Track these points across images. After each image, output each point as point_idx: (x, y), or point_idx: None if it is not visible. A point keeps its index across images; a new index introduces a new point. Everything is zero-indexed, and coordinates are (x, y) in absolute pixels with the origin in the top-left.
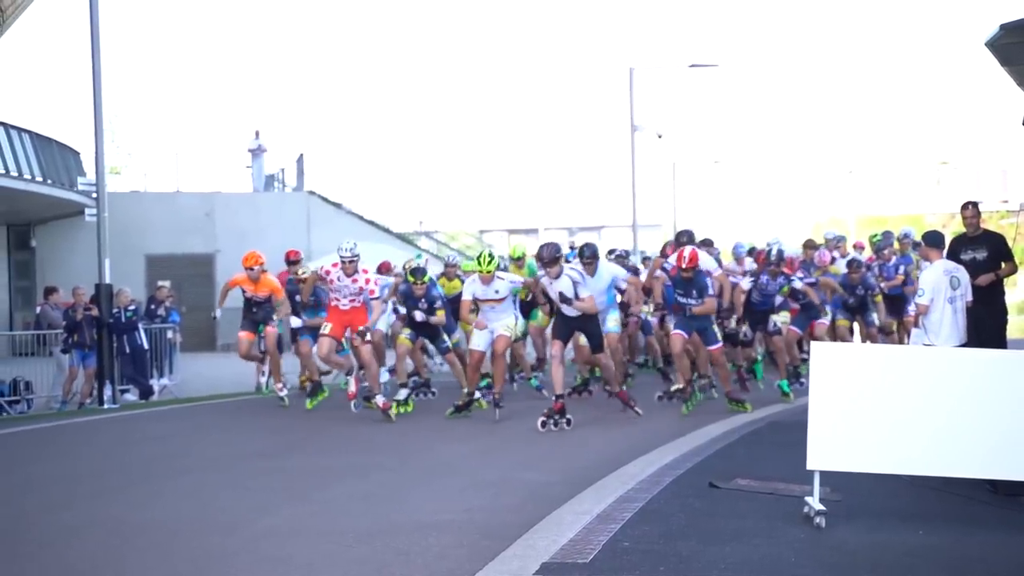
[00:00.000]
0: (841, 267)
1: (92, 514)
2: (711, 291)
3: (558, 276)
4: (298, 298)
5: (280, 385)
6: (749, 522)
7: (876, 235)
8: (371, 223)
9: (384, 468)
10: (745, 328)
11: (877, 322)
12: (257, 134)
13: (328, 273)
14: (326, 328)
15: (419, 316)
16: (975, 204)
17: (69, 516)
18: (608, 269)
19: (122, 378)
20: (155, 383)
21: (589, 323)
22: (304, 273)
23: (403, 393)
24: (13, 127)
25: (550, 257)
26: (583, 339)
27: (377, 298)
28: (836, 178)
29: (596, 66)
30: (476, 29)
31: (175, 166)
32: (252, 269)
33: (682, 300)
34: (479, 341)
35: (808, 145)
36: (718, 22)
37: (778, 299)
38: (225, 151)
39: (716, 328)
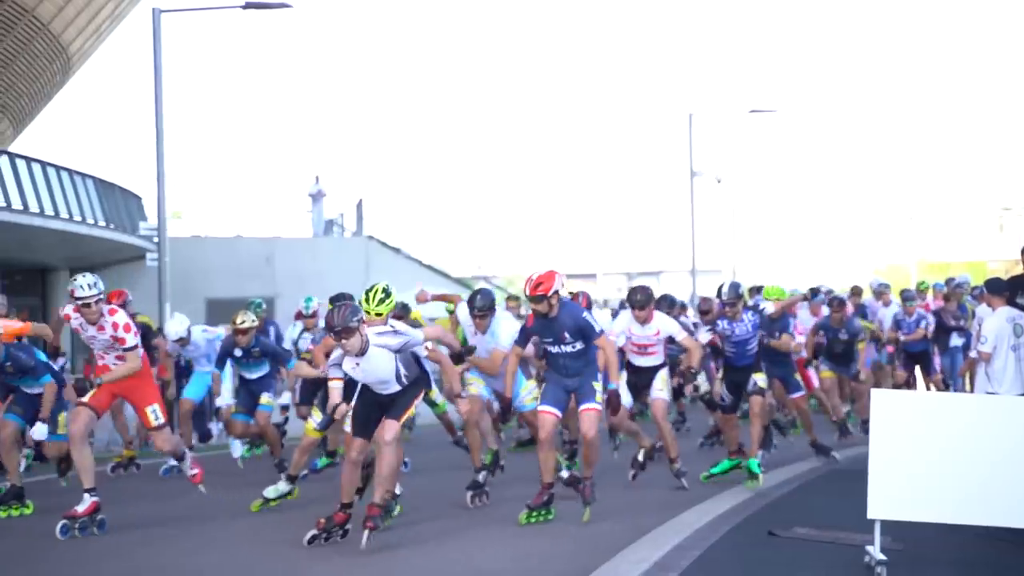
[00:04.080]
0: (886, 314)
1: (147, 560)
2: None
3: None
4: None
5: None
6: (808, 572)
7: (923, 283)
8: (429, 267)
9: (434, 514)
10: (722, 391)
11: (862, 374)
12: (317, 179)
13: (68, 319)
14: (87, 394)
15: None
16: None
17: (119, 563)
18: (504, 328)
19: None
20: (213, 427)
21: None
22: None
23: (282, 487)
24: (77, 172)
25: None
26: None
27: (131, 348)
28: (897, 223)
29: (655, 112)
30: (537, 76)
31: (236, 211)
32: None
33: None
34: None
35: (868, 190)
36: (778, 67)
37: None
38: (285, 196)
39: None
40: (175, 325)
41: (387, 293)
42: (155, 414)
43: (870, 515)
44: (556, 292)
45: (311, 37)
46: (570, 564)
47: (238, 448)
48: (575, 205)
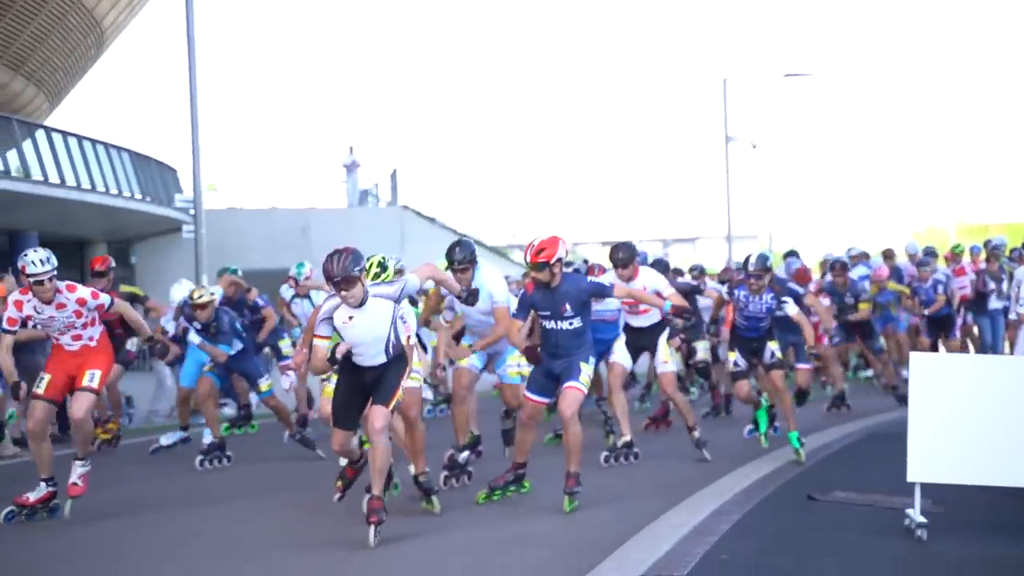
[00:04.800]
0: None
1: (188, 527)
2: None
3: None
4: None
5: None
6: (848, 535)
7: (958, 246)
8: (464, 236)
9: (474, 482)
10: (737, 357)
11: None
12: (351, 150)
13: (21, 306)
14: (40, 384)
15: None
16: None
17: (164, 530)
18: (494, 282)
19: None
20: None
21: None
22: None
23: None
24: (113, 146)
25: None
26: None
27: (106, 307)
28: (934, 186)
29: (690, 77)
30: (570, 42)
31: (271, 182)
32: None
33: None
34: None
35: (906, 153)
36: (813, 31)
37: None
38: (320, 167)
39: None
40: (180, 291)
41: (383, 267)
42: (93, 378)
43: (910, 478)
44: (559, 260)
45: (345, 6)
46: (610, 529)
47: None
48: (610, 172)
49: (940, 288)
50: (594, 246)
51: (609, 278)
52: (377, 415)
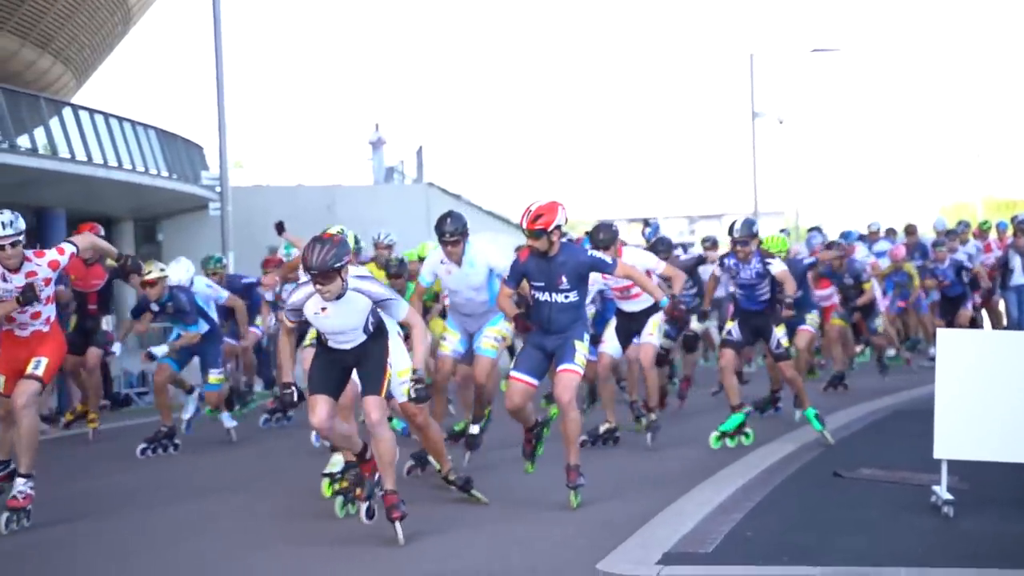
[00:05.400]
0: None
1: (204, 512)
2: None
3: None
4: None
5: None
6: (874, 512)
7: (986, 223)
8: (490, 213)
9: (502, 461)
10: (732, 327)
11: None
12: (377, 127)
13: None
14: None
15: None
16: None
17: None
18: (489, 253)
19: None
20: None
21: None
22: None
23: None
24: (139, 123)
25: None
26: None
27: (76, 252)
28: (963, 161)
29: (717, 53)
30: (598, 18)
31: (296, 159)
32: None
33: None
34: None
35: (934, 128)
36: (840, 6)
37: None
38: (345, 144)
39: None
40: (178, 271)
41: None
42: (39, 365)
43: (936, 455)
44: (558, 227)
45: None
46: (635, 506)
47: (229, 419)
48: (637, 149)
49: (951, 274)
50: (620, 223)
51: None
52: (372, 407)
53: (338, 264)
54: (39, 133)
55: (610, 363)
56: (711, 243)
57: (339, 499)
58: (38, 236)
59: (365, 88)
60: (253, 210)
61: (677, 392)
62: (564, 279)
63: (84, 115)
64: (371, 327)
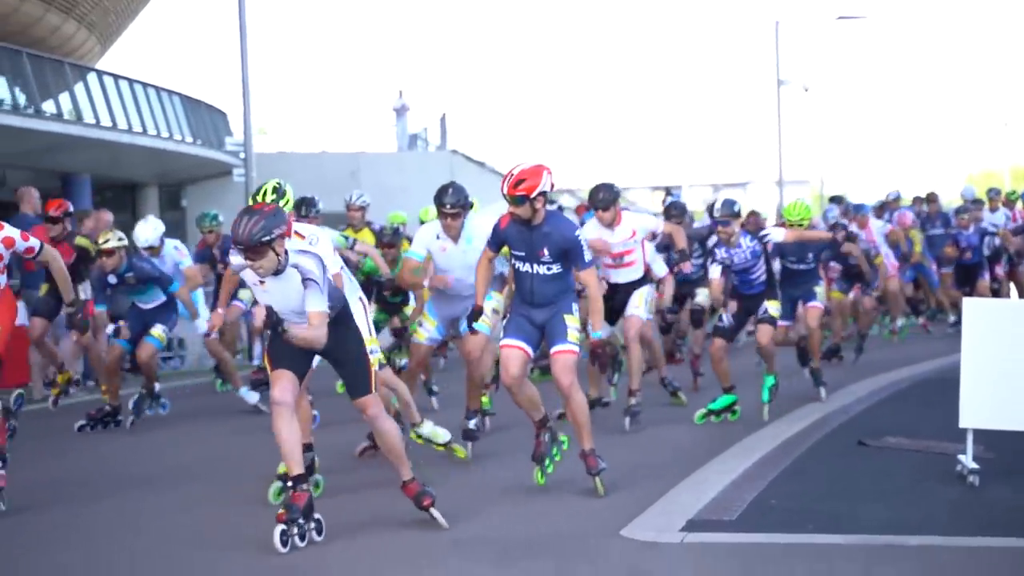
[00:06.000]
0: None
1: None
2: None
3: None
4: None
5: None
6: (899, 481)
7: (1014, 192)
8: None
9: (524, 435)
10: (726, 314)
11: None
12: (401, 93)
13: None
14: None
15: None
16: None
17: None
18: (486, 231)
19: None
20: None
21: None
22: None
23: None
24: (163, 89)
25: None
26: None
27: (35, 252)
28: (990, 129)
29: (741, 20)
30: None
31: (320, 126)
32: None
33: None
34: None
35: (960, 96)
36: None
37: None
38: (369, 111)
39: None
40: (145, 230)
41: (279, 192)
42: None
43: (962, 424)
44: (543, 194)
45: None
46: (659, 474)
47: (254, 396)
48: (661, 116)
49: (975, 240)
50: (643, 191)
51: (592, 226)
52: (367, 405)
53: (267, 237)
54: (64, 98)
55: (597, 342)
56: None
57: (276, 485)
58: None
59: (389, 54)
60: (276, 176)
61: (692, 370)
62: (546, 251)
63: (109, 80)
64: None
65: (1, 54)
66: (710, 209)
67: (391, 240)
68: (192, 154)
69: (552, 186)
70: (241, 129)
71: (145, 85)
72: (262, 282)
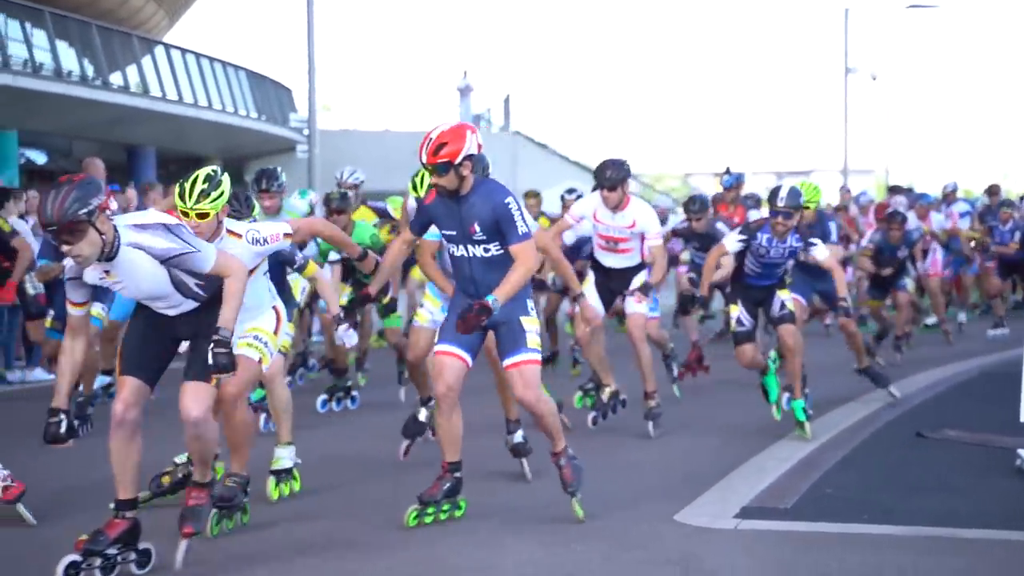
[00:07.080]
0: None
1: None
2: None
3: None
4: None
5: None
6: (956, 474)
7: None
8: (576, 163)
9: (579, 420)
10: (740, 314)
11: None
12: (465, 73)
13: None
14: None
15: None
16: None
17: None
18: None
19: None
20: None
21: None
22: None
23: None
24: (229, 64)
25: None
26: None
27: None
28: None
29: (811, 7)
30: None
31: (384, 105)
32: None
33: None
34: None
35: None
36: None
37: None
38: (433, 90)
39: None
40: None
41: (213, 182)
42: None
43: (1023, 419)
44: (469, 157)
45: None
46: (715, 459)
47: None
48: (726, 102)
49: (1016, 236)
50: (706, 176)
51: (593, 200)
52: (191, 398)
53: (84, 210)
54: (131, 71)
55: (598, 324)
56: (755, 200)
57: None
58: (128, 172)
59: (454, 34)
60: (340, 153)
61: (685, 362)
62: (477, 227)
63: (176, 54)
64: (203, 291)
65: (70, 26)
66: (771, 197)
67: (340, 206)
68: (256, 129)
69: (479, 147)
70: (306, 106)
71: (211, 60)
72: (106, 274)
